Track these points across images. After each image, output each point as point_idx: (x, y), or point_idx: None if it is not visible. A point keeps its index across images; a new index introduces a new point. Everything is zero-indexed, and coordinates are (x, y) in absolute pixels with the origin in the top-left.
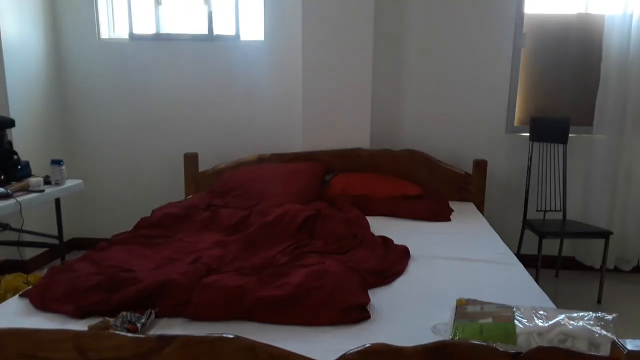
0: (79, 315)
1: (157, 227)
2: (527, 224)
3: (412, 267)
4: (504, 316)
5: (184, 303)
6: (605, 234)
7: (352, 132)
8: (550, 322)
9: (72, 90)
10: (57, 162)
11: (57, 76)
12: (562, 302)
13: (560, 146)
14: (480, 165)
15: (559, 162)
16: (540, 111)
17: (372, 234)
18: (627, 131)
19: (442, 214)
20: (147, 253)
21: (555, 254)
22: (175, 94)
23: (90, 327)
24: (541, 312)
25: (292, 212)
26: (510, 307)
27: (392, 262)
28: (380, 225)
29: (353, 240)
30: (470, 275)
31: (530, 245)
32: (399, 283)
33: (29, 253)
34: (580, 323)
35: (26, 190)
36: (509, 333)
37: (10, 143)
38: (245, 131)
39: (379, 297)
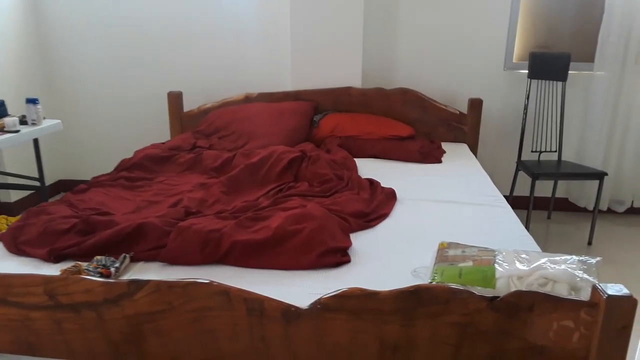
0: (53, 259)
1: (138, 168)
2: (521, 165)
3: (398, 210)
4: (484, 259)
5: (160, 247)
6: (599, 175)
7: (343, 70)
8: (532, 266)
9: (49, 27)
10: (32, 101)
11: (34, 11)
12: (553, 244)
13: (559, 84)
14: (475, 104)
15: (557, 100)
16: (541, 46)
17: (359, 177)
18: (629, 67)
19: (433, 156)
20: (127, 195)
21: (549, 196)
22: (158, 29)
23: (62, 272)
24: (523, 256)
25: (276, 154)
26: (492, 251)
27: (378, 204)
28: (369, 167)
29: (339, 182)
30: (456, 218)
31: (524, 186)
32: (383, 226)
33: (15, 196)
34: (562, 266)
35: (1, 130)
36: (488, 277)
37: None
38: (233, 69)
39: (362, 241)
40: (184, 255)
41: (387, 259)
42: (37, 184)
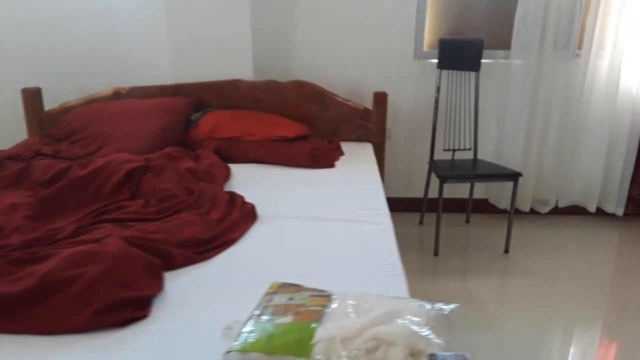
0: None
1: None
2: (433, 165)
3: (253, 232)
4: (309, 312)
5: None
6: (513, 176)
7: (231, 61)
8: (364, 322)
9: None
10: None
11: None
12: (469, 252)
13: (472, 74)
14: (380, 99)
15: (471, 93)
16: (455, 32)
17: (218, 190)
18: (548, 54)
19: (325, 160)
20: None
21: (467, 197)
22: (10, 15)
23: None
24: (365, 305)
25: (114, 164)
26: (328, 296)
27: (227, 227)
28: (247, 175)
29: (186, 199)
30: (321, 242)
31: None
32: (222, 258)
33: None
34: (404, 320)
35: None
36: (304, 340)
37: None
38: (104, 59)
39: (186, 280)
40: None
41: (206, 308)
42: None
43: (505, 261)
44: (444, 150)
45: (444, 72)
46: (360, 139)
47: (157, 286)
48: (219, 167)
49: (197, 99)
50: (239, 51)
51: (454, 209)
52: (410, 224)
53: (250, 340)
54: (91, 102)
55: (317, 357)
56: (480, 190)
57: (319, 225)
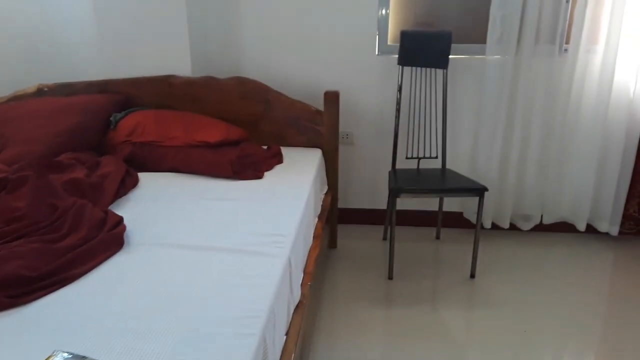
0: None
1: None
2: (392, 175)
3: (110, 264)
4: None
5: None
6: (478, 191)
7: (166, 55)
8: None
9: None
10: None
11: None
12: (435, 274)
13: (440, 72)
14: (331, 98)
15: (439, 93)
16: (424, 24)
17: (91, 209)
18: (529, 50)
19: (250, 170)
20: None
21: (437, 209)
22: None
23: None
24: None
25: None
26: None
27: (76, 258)
28: (154, 187)
29: (42, 219)
30: (182, 280)
31: (406, 199)
32: (41, 304)
33: None
34: None
35: None
36: None
37: None
38: (34, 54)
39: None
40: None
41: None
42: None
43: (472, 287)
44: (406, 158)
45: (408, 70)
46: (310, 144)
47: None
48: (112, 179)
49: (125, 97)
50: (175, 43)
51: (425, 222)
52: (373, 239)
53: None
54: (17, 99)
55: None
56: (455, 203)
57: (196, 256)
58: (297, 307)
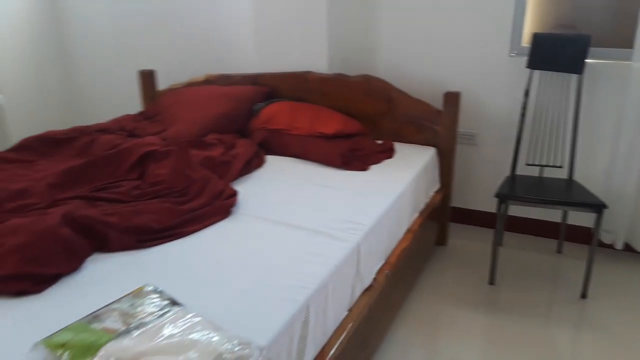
0: None
1: (27, 150)
2: (509, 180)
3: (215, 227)
4: (125, 324)
5: None
6: (595, 207)
7: (307, 53)
8: (149, 346)
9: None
10: None
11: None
12: (544, 287)
13: (574, 77)
14: (451, 100)
15: (570, 100)
16: (564, 25)
17: (215, 181)
18: None
19: (357, 162)
20: None
21: (559, 221)
22: (142, 4)
23: None
24: (182, 325)
25: (135, 147)
26: (165, 312)
27: (190, 219)
28: (275, 168)
29: (175, 185)
30: (264, 249)
31: (521, 207)
32: (162, 248)
33: None
34: (189, 354)
35: None
36: (91, 350)
37: None
38: (210, 47)
39: (110, 264)
40: None
41: (96, 293)
42: None
43: (583, 308)
44: (527, 164)
45: (539, 73)
46: (426, 142)
47: (69, 266)
48: (240, 159)
49: (270, 89)
50: (315, 42)
51: (548, 233)
52: (486, 241)
53: (57, 336)
54: (190, 85)
55: None
56: (585, 217)
57: (281, 230)
58: (366, 289)
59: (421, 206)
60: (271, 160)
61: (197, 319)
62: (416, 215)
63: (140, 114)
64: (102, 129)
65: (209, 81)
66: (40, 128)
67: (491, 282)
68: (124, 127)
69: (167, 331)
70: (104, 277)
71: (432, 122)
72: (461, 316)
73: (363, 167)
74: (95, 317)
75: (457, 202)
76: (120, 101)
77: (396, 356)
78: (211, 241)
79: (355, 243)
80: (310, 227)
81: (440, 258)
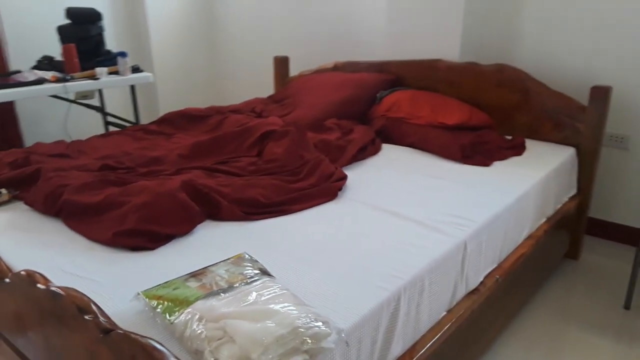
0: None
1: (168, 123)
2: None
3: (319, 208)
4: (217, 285)
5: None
6: None
7: (438, 41)
8: (231, 310)
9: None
10: (122, 54)
11: None
12: None
13: None
14: (599, 95)
15: None
16: None
17: (327, 164)
18: None
19: (479, 157)
20: (121, 143)
21: None
22: None
23: None
24: (268, 293)
25: (259, 126)
26: (254, 280)
27: (297, 197)
28: (389, 157)
29: (289, 164)
30: (364, 235)
31: None
32: (266, 222)
33: None
34: (268, 323)
35: (94, 78)
36: (183, 305)
37: (100, 35)
38: (340, 35)
39: (220, 230)
40: (34, 203)
41: (200, 255)
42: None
43: None
44: None
45: None
46: (565, 142)
47: (183, 229)
48: (355, 144)
49: (395, 77)
50: (448, 29)
51: None
52: (626, 260)
53: (156, 289)
54: (319, 72)
55: (175, 321)
56: None
57: (384, 218)
58: (471, 292)
59: (549, 212)
60: (387, 149)
61: (282, 291)
62: (542, 221)
63: (270, 97)
64: (234, 110)
65: (337, 68)
66: (185, 105)
67: (627, 306)
68: (253, 108)
69: (251, 297)
70: (211, 243)
71: (574, 118)
72: (585, 340)
73: (485, 163)
74: (193, 276)
75: (595, 212)
76: (257, 85)
77: None
78: (313, 221)
79: (461, 239)
80: (414, 217)
81: (570, 273)
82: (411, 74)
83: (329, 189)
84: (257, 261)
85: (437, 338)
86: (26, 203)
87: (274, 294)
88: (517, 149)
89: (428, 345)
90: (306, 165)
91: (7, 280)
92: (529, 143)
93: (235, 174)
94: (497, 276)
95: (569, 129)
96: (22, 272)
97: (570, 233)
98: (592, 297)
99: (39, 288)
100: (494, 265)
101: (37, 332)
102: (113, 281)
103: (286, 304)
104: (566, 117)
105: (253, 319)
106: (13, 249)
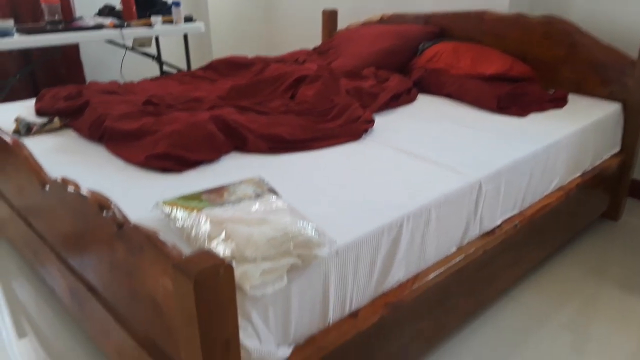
0: (38, 111)
1: (213, 69)
2: None
3: (341, 147)
4: (222, 199)
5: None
6: None
7: None
8: (233, 216)
9: None
10: (176, 4)
11: None
12: None
13: None
14: None
15: None
16: None
17: (357, 109)
18: None
19: (516, 108)
20: (169, 85)
21: None
22: None
23: (18, 119)
24: (276, 204)
25: (294, 72)
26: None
27: (319, 136)
28: (424, 105)
29: (318, 106)
30: (380, 172)
31: None
32: (286, 158)
33: None
34: (257, 228)
35: (150, 25)
36: (191, 211)
37: None
38: None
39: (244, 161)
40: (81, 129)
41: (223, 180)
42: None
43: None
44: None
45: None
46: (611, 97)
47: (209, 156)
48: (388, 92)
49: (440, 30)
50: None
51: None
52: None
53: (172, 199)
54: (364, 25)
55: (184, 225)
56: None
57: (403, 158)
58: (486, 234)
59: (586, 167)
60: (422, 99)
61: (284, 206)
62: (577, 175)
63: (315, 49)
64: (278, 60)
65: (383, 20)
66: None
67: None
68: (297, 59)
69: (254, 208)
70: (234, 171)
71: (622, 73)
72: (619, 299)
73: (521, 113)
74: (207, 191)
75: None
76: (306, 38)
77: (516, 317)
78: (333, 157)
79: (475, 178)
80: (433, 159)
81: (607, 233)
82: (456, 27)
83: (353, 129)
84: (267, 183)
85: (444, 270)
86: (74, 130)
87: (276, 208)
88: (558, 102)
89: (433, 275)
90: (335, 108)
91: (47, 188)
92: (572, 97)
93: (265, 113)
94: (517, 222)
95: (616, 85)
96: (58, 179)
97: (610, 192)
98: (630, 260)
99: (70, 192)
100: (515, 212)
101: (69, 233)
102: (141, 196)
103: (285, 215)
104: (614, 71)
105: (251, 224)
106: (58, 167)
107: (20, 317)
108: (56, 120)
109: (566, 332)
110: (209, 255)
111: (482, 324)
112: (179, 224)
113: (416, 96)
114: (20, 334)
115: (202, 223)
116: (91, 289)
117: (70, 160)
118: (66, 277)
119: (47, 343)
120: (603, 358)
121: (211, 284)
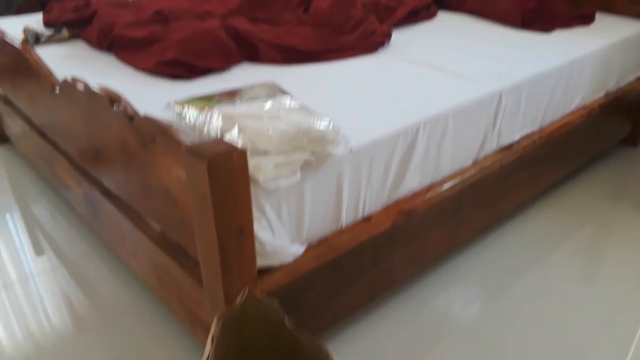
0: (46, 23)
1: None
2: None
3: (357, 59)
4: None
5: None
6: None
7: None
8: (246, 110)
9: None
10: None
11: None
12: None
13: None
14: None
15: None
16: None
17: (372, 22)
18: None
19: (541, 23)
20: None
21: None
22: None
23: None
24: (292, 103)
25: None
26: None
27: (333, 49)
28: (445, 22)
29: (332, 18)
30: (397, 82)
31: None
32: (298, 68)
33: None
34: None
35: None
36: (203, 109)
37: None
38: None
39: (254, 70)
40: (90, 39)
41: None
42: None
43: None
44: None
45: None
46: None
47: (219, 64)
48: (405, 7)
49: None
50: None
51: None
52: None
53: (184, 100)
54: None
55: (196, 122)
56: None
57: (420, 70)
58: (504, 148)
59: (610, 87)
60: (443, 15)
61: (298, 105)
62: (600, 95)
63: None
64: None
65: None
66: None
67: None
68: None
69: (267, 105)
70: (244, 80)
71: None
72: (634, 222)
73: (546, 29)
74: (221, 93)
75: None
76: None
77: (533, 233)
78: (348, 69)
79: (494, 89)
80: (451, 70)
81: (626, 159)
82: None
83: (369, 42)
84: (280, 87)
85: (458, 182)
86: (83, 40)
87: (289, 107)
88: (584, 19)
89: (447, 186)
90: (350, 21)
91: (57, 90)
92: (600, 15)
93: (278, 23)
94: (536, 138)
95: None
96: (68, 80)
97: (632, 117)
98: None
99: (80, 90)
100: (535, 128)
101: (82, 135)
102: (152, 99)
103: (299, 113)
104: None
105: (264, 119)
106: (68, 75)
107: (35, 228)
108: (65, 30)
109: (580, 254)
110: (222, 142)
111: (494, 242)
112: (191, 121)
113: (436, 13)
114: (36, 245)
115: (214, 119)
116: (106, 193)
117: (79, 68)
118: (81, 183)
119: (62, 253)
120: (616, 278)
121: (225, 168)
